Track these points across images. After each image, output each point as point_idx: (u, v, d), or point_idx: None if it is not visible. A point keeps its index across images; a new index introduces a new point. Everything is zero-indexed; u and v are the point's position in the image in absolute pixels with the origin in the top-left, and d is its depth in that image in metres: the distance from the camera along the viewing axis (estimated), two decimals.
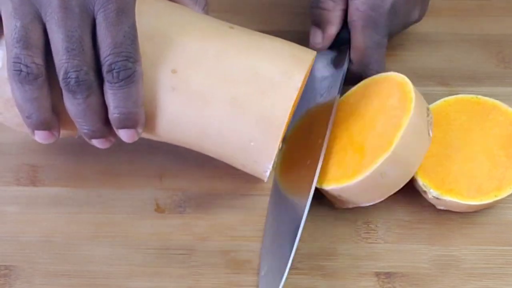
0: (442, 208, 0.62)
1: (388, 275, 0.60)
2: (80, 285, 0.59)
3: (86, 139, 0.59)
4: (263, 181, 0.64)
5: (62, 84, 0.55)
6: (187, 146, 0.61)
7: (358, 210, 0.63)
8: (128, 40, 0.55)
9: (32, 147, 0.67)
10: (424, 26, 0.77)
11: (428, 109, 0.62)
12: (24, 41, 0.54)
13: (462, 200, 0.60)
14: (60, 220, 0.63)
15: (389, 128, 0.60)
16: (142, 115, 0.57)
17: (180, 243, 0.62)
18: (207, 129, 0.59)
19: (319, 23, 0.69)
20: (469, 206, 0.61)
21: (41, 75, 0.55)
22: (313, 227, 0.62)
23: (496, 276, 0.60)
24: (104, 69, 0.55)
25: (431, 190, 0.61)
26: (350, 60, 0.68)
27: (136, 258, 0.61)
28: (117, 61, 0.55)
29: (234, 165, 0.61)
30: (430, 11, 0.78)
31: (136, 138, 0.58)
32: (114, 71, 0.55)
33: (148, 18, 0.59)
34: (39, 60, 0.55)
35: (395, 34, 0.71)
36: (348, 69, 0.68)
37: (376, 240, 0.62)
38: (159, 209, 0.64)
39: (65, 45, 0.54)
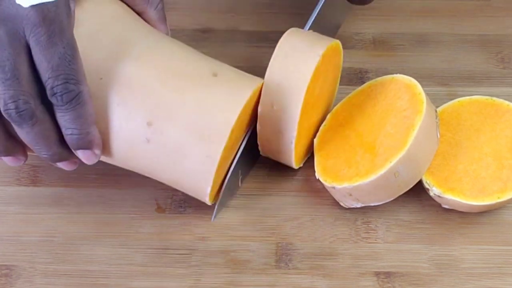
0: (446, 207, 0.62)
1: (388, 275, 0.60)
2: (80, 284, 0.60)
3: (51, 163, 0.59)
4: (263, 181, 0.64)
5: (4, 115, 0.54)
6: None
7: (358, 210, 0.63)
8: (64, 62, 0.54)
9: None
10: (424, 26, 0.77)
11: (436, 111, 0.62)
12: None
13: (464, 200, 0.60)
14: (61, 220, 0.63)
15: (401, 129, 0.60)
16: (95, 135, 0.57)
17: (180, 243, 0.62)
18: (178, 178, 0.59)
19: None
20: (471, 206, 0.61)
21: None
22: (313, 227, 0.63)
23: (495, 275, 0.60)
24: (48, 93, 0.54)
25: (434, 188, 0.61)
26: None
27: (136, 258, 0.61)
28: (57, 85, 0.54)
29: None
30: (430, 11, 0.78)
31: (94, 160, 0.58)
32: (57, 95, 0.54)
33: (129, 62, 0.58)
34: None
35: None
36: None
37: (376, 240, 0.62)
38: (159, 209, 0.64)
39: None
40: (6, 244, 0.62)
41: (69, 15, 0.56)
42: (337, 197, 0.62)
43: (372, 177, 0.59)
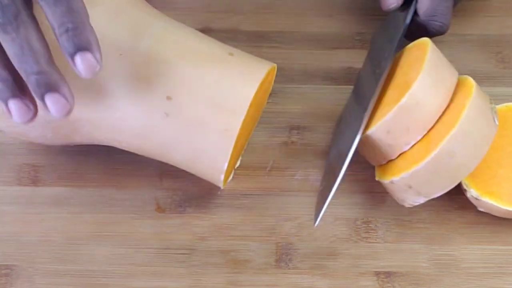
0: (482, 210, 0.61)
1: (388, 274, 0.60)
2: (81, 284, 0.60)
3: (39, 101, 0.51)
4: (263, 181, 0.64)
5: None
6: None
7: (358, 210, 0.63)
8: None
9: (32, 147, 0.67)
10: None
11: (490, 99, 0.61)
12: None
13: (501, 205, 0.60)
14: (61, 220, 0.63)
15: (452, 114, 0.59)
16: (92, 32, 0.51)
17: (180, 243, 0.62)
18: (193, 155, 0.59)
19: None
20: (508, 211, 0.60)
21: None
22: (313, 227, 0.63)
23: (495, 275, 0.60)
24: None
25: (471, 190, 0.60)
26: (416, 12, 0.68)
27: (136, 258, 0.61)
28: None
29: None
30: None
31: (97, 68, 0.51)
32: None
33: (148, 39, 0.58)
34: None
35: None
36: (414, 21, 0.68)
37: (376, 240, 0.62)
38: (159, 209, 0.64)
39: None
40: (6, 244, 0.62)
41: None
42: (398, 195, 0.61)
43: (427, 159, 0.57)
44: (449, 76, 0.62)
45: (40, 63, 0.50)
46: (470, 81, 0.61)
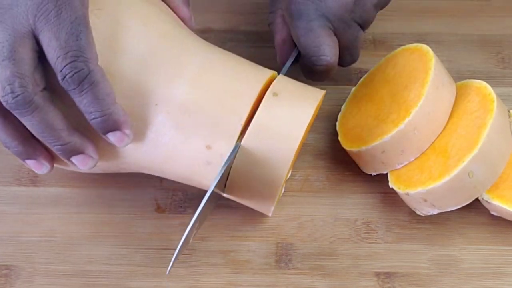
0: (494, 213, 0.61)
1: (388, 275, 0.60)
2: (80, 285, 0.60)
3: (65, 160, 0.56)
4: None
5: (3, 103, 0.52)
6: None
7: (358, 211, 0.63)
8: (72, 37, 0.51)
9: None
10: (424, 26, 0.77)
11: (509, 111, 0.61)
12: None
13: (511, 208, 0.60)
14: (61, 220, 0.63)
15: (473, 129, 0.59)
16: (119, 113, 0.54)
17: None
18: (249, 193, 0.60)
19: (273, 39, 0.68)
20: None
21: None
22: (313, 227, 0.63)
23: (495, 276, 0.60)
24: (59, 78, 0.52)
25: (483, 193, 0.60)
26: (300, 55, 0.67)
27: (136, 258, 0.61)
28: (66, 65, 0.51)
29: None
30: (430, 11, 0.78)
31: (127, 141, 0.55)
32: (67, 77, 0.52)
33: (183, 85, 0.57)
34: None
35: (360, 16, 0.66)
36: (302, 66, 0.66)
37: (376, 240, 0.62)
38: (159, 209, 0.64)
39: None
40: (6, 244, 0.62)
41: None
42: (412, 204, 0.61)
43: (446, 178, 0.58)
44: (449, 95, 0.62)
45: (61, 138, 0.54)
46: (490, 94, 0.61)
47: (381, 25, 0.76)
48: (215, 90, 0.57)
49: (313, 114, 0.58)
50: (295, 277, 0.60)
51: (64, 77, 0.52)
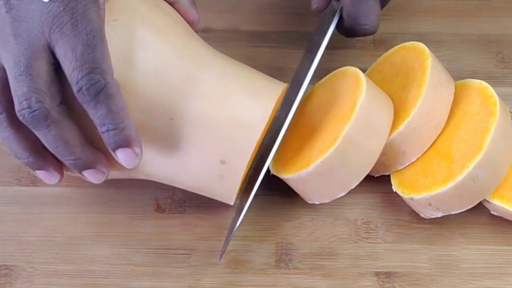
0: (495, 213, 0.61)
1: (388, 275, 0.60)
2: (80, 285, 0.60)
3: (78, 173, 0.57)
4: (263, 181, 0.64)
5: (19, 117, 0.52)
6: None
7: (358, 210, 0.63)
8: (88, 49, 0.51)
9: None
10: (424, 26, 0.77)
11: (510, 112, 0.61)
12: None
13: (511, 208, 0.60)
14: (61, 220, 0.63)
15: (476, 133, 0.59)
16: (132, 129, 0.54)
17: (180, 243, 0.62)
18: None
19: None
20: None
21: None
22: (313, 227, 0.63)
23: (495, 276, 0.60)
24: (74, 90, 0.52)
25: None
26: (342, 16, 0.67)
27: (136, 258, 0.61)
28: (82, 77, 0.51)
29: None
30: (430, 11, 0.78)
31: (136, 161, 0.55)
32: (83, 89, 0.51)
33: (199, 101, 0.57)
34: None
35: None
36: (341, 25, 0.67)
37: (376, 240, 0.62)
38: (159, 209, 0.64)
39: (13, 72, 0.51)
40: (6, 244, 0.62)
41: (95, 3, 0.53)
42: (416, 208, 0.61)
43: (450, 184, 0.57)
44: (447, 94, 0.62)
45: (74, 153, 0.55)
46: (492, 96, 0.60)
47: (381, 25, 0.76)
48: (230, 107, 0.57)
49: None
50: (295, 277, 0.60)
51: (80, 89, 0.52)
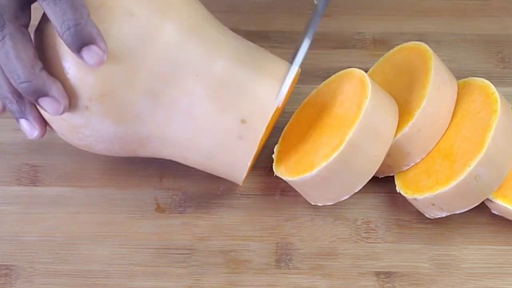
0: (496, 213, 0.61)
1: (388, 274, 0.60)
2: (80, 284, 0.60)
3: (35, 103, 0.54)
4: (263, 181, 0.64)
5: None
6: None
7: (358, 210, 0.63)
8: None
9: (32, 147, 0.67)
10: (424, 26, 0.77)
11: None
12: None
13: None
14: (61, 220, 0.63)
15: (477, 131, 0.59)
16: (94, 25, 0.52)
17: (180, 243, 0.62)
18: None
19: None
20: None
21: None
22: (313, 227, 0.63)
23: (495, 275, 0.60)
24: None
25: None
26: None
27: (136, 258, 0.61)
28: None
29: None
30: (430, 11, 0.78)
31: (102, 58, 0.52)
32: None
33: (224, 60, 0.58)
34: None
35: None
36: None
37: (376, 240, 0.62)
38: (159, 209, 0.64)
39: None
40: (6, 244, 0.62)
41: None
42: (421, 208, 0.61)
43: (453, 183, 0.57)
44: (451, 93, 0.62)
45: (26, 69, 0.52)
46: (494, 93, 0.60)
47: (381, 25, 0.76)
48: (254, 68, 0.59)
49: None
50: (295, 277, 0.60)
51: None
